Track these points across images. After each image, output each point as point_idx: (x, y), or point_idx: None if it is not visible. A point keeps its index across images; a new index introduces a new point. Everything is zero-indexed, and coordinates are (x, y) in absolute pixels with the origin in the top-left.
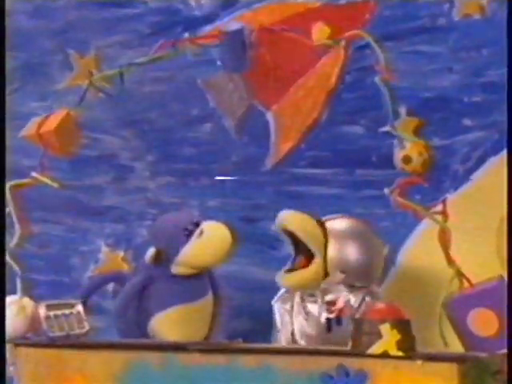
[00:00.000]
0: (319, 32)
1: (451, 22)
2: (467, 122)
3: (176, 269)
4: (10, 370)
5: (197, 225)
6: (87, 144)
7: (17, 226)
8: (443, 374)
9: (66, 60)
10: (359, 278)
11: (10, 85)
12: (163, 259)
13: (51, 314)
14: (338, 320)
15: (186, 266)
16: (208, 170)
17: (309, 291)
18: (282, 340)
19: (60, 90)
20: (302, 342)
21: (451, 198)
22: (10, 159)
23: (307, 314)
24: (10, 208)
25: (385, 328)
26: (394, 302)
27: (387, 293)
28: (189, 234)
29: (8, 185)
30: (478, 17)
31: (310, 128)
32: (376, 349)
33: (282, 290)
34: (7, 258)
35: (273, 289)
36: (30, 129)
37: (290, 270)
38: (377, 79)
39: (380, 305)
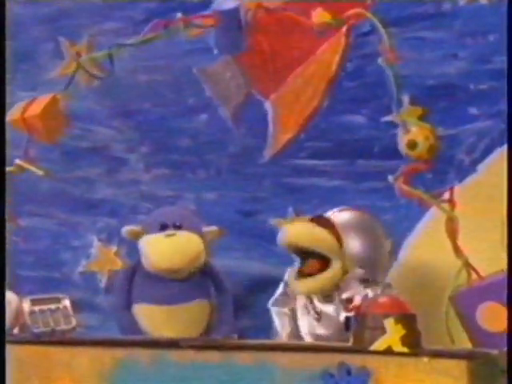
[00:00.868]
0: (319, 17)
1: (456, 7)
2: (473, 110)
3: (146, 263)
4: None
5: (177, 226)
6: (79, 135)
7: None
8: (451, 372)
9: (57, 48)
10: (373, 271)
11: None
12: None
13: (36, 308)
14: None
15: (148, 264)
16: (204, 162)
17: (326, 293)
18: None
19: (51, 80)
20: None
21: (457, 188)
22: None
23: (319, 314)
24: None
25: (389, 323)
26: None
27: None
28: (161, 229)
29: None
30: (485, 1)
31: (309, 117)
32: (379, 345)
33: (278, 293)
34: None
35: (271, 284)
36: (14, 113)
37: (304, 275)
38: (380, 61)
39: (384, 298)
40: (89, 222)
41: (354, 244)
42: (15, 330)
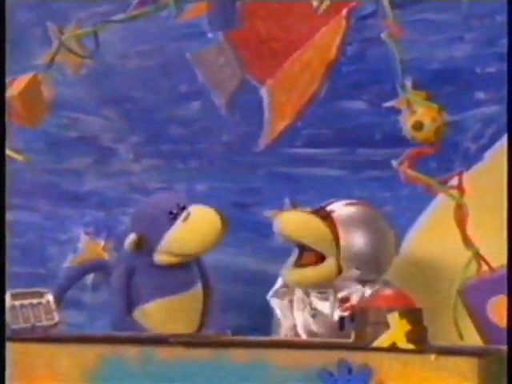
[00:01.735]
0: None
1: None
2: (480, 95)
3: (159, 257)
4: None
5: (183, 208)
6: (66, 124)
7: None
8: (460, 370)
9: (46, 34)
10: (373, 271)
11: None
12: (145, 246)
13: (17, 303)
14: (352, 317)
15: (169, 254)
16: (196, 152)
17: (320, 289)
18: (283, 335)
19: (38, 65)
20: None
21: (465, 175)
22: None
23: (314, 310)
24: None
25: (393, 317)
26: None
27: (395, 280)
28: (173, 218)
29: None
30: None
31: (307, 104)
32: (383, 341)
33: (278, 285)
34: None
35: (266, 280)
36: None
37: (299, 265)
38: (383, 35)
39: (387, 291)
40: (76, 215)
41: (354, 242)
42: None
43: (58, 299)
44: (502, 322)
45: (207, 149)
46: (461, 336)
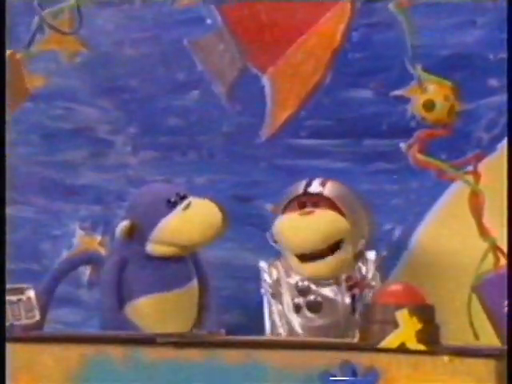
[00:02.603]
0: None
1: None
2: (493, 82)
3: (152, 247)
4: None
5: (183, 197)
6: (60, 115)
7: None
8: (476, 373)
9: (28, 10)
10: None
11: None
12: (137, 234)
13: None
14: (362, 296)
15: (163, 243)
16: (196, 143)
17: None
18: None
19: (19, 43)
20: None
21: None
22: None
23: (318, 301)
24: None
25: (402, 315)
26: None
27: (403, 276)
28: (172, 206)
29: None
30: None
31: (311, 93)
32: (390, 341)
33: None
34: None
35: None
36: None
37: (309, 257)
38: (391, 6)
39: (396, 286)
40: (71, 210)
41: (354, 214)
42: None
43: (47, 295)
44: None
45: (207, 140)
46: (476, 336)
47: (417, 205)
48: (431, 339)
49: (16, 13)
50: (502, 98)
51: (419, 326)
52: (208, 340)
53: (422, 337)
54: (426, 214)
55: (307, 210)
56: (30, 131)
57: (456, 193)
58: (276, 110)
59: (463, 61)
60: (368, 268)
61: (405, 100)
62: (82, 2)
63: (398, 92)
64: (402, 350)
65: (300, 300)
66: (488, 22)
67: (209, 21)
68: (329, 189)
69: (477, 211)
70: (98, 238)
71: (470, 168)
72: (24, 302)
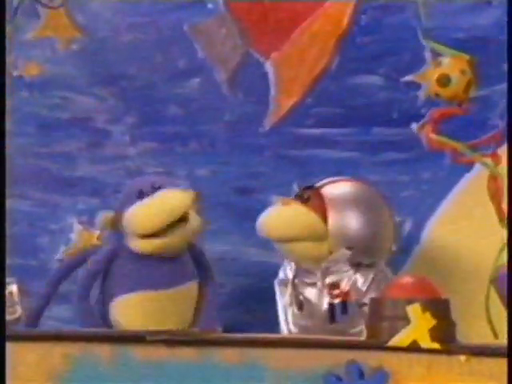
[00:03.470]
0: None
1: None
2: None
3: (132, 243)
4: None
5: (156, 189)
6: (56, 104)
7: None
8: (494, 374)
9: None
10: (367, 253)
11: None
12: (119, 226)
13: None
14: (344, 306)
15: (137, 236)
16: (197, 133)
17: (308, 267)
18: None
19: (26, 42)
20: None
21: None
22: None
23: (301, 301)
24: None
25: (414, 310)
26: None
27: (416, 270)
28: (140, 197)
29: None
30: None
31: (317, 80)
32: (401, 339)
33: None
34: None
35: (272, 273)
36: None
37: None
38: None
39: (407, 278)
40: (68, 203)
41: (344, 219)
42: None
43: (50, 295)
44: None
45: (208, 130)
46: (495, 333)
47: (429, 196)
48: (446, 337)
49: None
50: None
51: (433, 322)
52: (201, 338)
53: (435, 334)
54: (439, 205)
55: (286, 200)
56: (25, 121)
57: (473, 179)
58: (280, 98)
59: (477, 44)
60: (364, 282)
61: (416, 86)
62: None
63: (408, 77)
64: (413, 348)
65: (292, 296)
66: (504, 2)
67: (210, 5)
68: (332, 188)
69: (496, 197)
70: (97, 232)
71: (489, 150)
72: (5, 296)
